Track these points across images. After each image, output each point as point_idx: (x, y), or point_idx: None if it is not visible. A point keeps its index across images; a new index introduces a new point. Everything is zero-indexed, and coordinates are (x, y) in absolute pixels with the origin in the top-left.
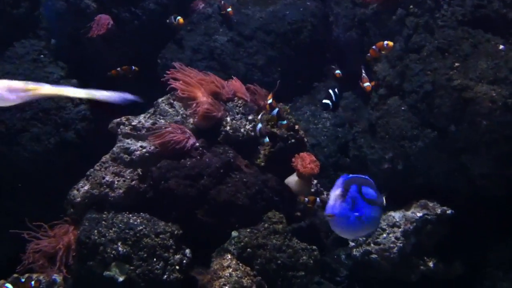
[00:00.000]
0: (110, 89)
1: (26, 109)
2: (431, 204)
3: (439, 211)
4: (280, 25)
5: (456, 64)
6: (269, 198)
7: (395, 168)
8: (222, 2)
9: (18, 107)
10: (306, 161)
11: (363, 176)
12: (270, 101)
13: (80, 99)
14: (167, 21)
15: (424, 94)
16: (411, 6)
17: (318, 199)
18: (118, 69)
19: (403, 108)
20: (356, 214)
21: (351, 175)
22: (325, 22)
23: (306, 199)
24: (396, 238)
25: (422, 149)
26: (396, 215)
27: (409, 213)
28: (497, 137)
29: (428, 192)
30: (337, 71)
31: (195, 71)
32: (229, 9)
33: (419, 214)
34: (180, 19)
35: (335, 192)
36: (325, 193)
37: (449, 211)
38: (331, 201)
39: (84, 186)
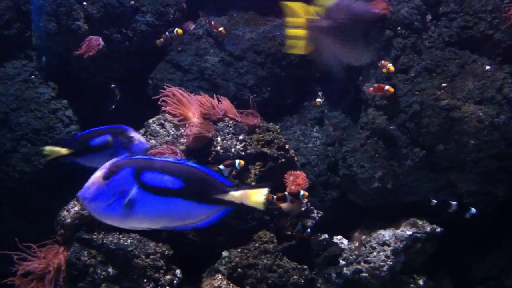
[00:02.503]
0: (101, 108)
1: (16, 129)
2: (420, 222)
3: (428, 229)
4: (270, 46)
5: (444, 84)
6: (259, 217)
7: (385, 187)
8: (212, 22)
9: (7, 126)
10: (299, 179)
11: (154, 159)
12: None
13: (70, 119)
14: (161, 40)
15: (412, 114)
16: (398, 28)
17: (299, 224)
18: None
19: (392, 127)
20: (120, 202)
21: (130, 157)
22: None
23: (288, 223)
24: (386, 256)
25: (411, 168)
26: (386, 234)
27: (398, 231)
28: (484, 156)
29: (417, 210)
30: (318, 99)
31: (185, 92)
32: (221, 28)
33: (408, 233)
34: (178, 30)
35: (96, 174)
36: (315, 212)
37: (438, 229)
38: (87, 184)
39: (74, 207)
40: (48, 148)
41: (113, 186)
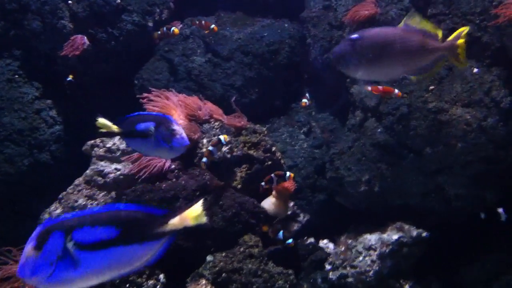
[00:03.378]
0: (86, 108)
1: (0, 129)
2: (406, 227)
3: (414, 233)
4: (258, 46)
5: (432, 87)
6: (245, 221)
7: (372, 190)
8: (203, 22)
9: None
10: (286, 181)
11: (81, 214)
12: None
13: (54, 119)
14: (158, 32)
15: (400, 116)
16: None
17: (281, 232)
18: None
19: (379, 130)
20: (60, 269)
21: (54, 220)
22: (303, 44)
23: (270, 229)
24: (372, 261)
25: (398, 171)
26: (372, 238)
27: (385, 235)
28: (472, 159)
29: (405, 213)
30: (304, 100)
31: (171, 93)
32: (213, 26)
33: (394, 237)
34: (175, 29)
35: (26, 248)
36: (301, 215)
37: (424, 234)
38: (21, 261)
39: (56, 210)
40: (101, 120)
41: (47, 255)
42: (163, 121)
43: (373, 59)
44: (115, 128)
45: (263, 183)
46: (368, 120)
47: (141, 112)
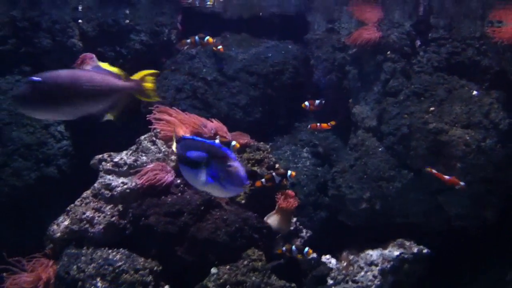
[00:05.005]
0: (93, 124)
1: (8, 144)
2: (407, 243)
3: (415, 250)
4: (262, 67)
5: (432, 108)
6: (249, 235)
7: (373, 208)
8: (214, 40)
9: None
10: (289, 197)
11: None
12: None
13: (62, 134)
14: (188, 40)
15: (401, 137)
16: (388, 52)
17: (294, 246)
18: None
19: (380, 149)
20: None
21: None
22: (306, 65)
23: (284, 248)
24: (374, 276)
25: (399, 190)
26: (374, 254)
27: (386, 251)
28: (471, 179)
29: (406, 230)
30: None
31: (177, 111)
32: (220, 47)
33: (396, 253)
34: (209, 38)
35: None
36: (304, 231)
37: (425, 250)
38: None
39: (64, 221)
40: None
41: None
42: (218, 154)
43: (58, 100)
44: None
45: (263, 180)
46: (370, 139)
47: (196, 137)
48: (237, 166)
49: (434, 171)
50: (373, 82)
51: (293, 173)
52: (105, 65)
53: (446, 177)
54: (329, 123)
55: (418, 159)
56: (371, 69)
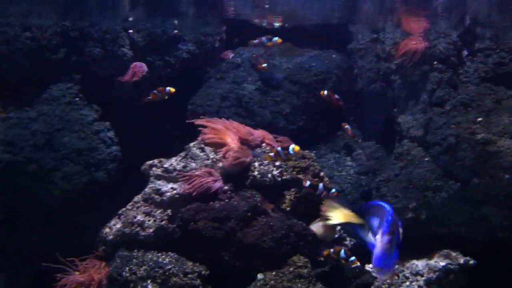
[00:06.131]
0: (143, 130)
1: (60, 148)
2: (454, 254)
3: (462, 261)
4: (306, 76)
5: (479, 118)
6: (294, 242)
7: (419, 218)
8: (254, 55)
9: (51, 146)
10: None
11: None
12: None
13: (112, 140)
14: (254, 41)
15: (447, 147)
16: (435, 62)
17: (343, 250)
18: (155, 91)
19: (426, 159)
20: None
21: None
22: (349, 74)
23: (332, 250)
24: (419, 286)
25: (445, 200)
26: (419, 264)
27: (432, 262)
28: None
29: (450, 241)
30: (346, 126)
31: (223, 120)
32: (264, 65)
33: (442, 264)
34: (278, 39)
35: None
36: (348, 239)
37: (471, 262)
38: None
39: (116, 225)
40: (342, 211)
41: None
42: (392, 228)
43: None
44: (356, 219)
45: (308, 183)
46: (415, 149)
47: (383, 204)
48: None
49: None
50: (418, 92)
51: (335, 193)
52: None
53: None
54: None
55: (465, 170)
56: (417, 78)
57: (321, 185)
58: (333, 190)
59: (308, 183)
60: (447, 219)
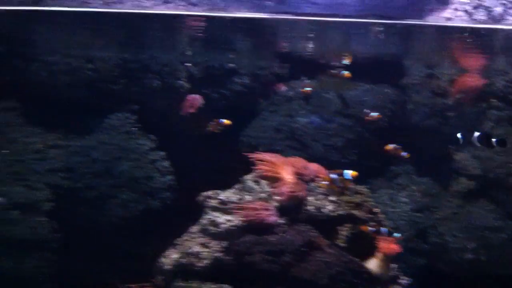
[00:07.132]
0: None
1: (118, 176)
2: None
3: None
4: (359, 110)
5: None
6: (349, 279)
7: (478, 258)
8: (304, 80)
9: (110, 173)
10: (390, 243)
11: None
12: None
13: (167, 169)
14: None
15: (508, 186)
16: (493, 100)
17: None
18: (211, 123)
19: (485, 198)
20: None
21: None
22: (403, 109)
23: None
24: None
25: (505, 241)
26: None
27: None
28: None
29: (504, 282)
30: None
31: (277, 155)
32: (308, 88)
33: None
34: (346, 73)
35: None
36: (403, 277)
37: None
38: None
39: (172, 254)
40: None
41: None
42: None
43: None
44: None
45: (371, 228)
46: (474, 187)
47: None
48: None
49: None
50: (476, 129)
51: (395, 238)
52: None
53: None
54: None
55: None
56: (474, 116)
57: (384, 229)
58: (397, 235)
59: (371, 229)
60: (505, 260)
